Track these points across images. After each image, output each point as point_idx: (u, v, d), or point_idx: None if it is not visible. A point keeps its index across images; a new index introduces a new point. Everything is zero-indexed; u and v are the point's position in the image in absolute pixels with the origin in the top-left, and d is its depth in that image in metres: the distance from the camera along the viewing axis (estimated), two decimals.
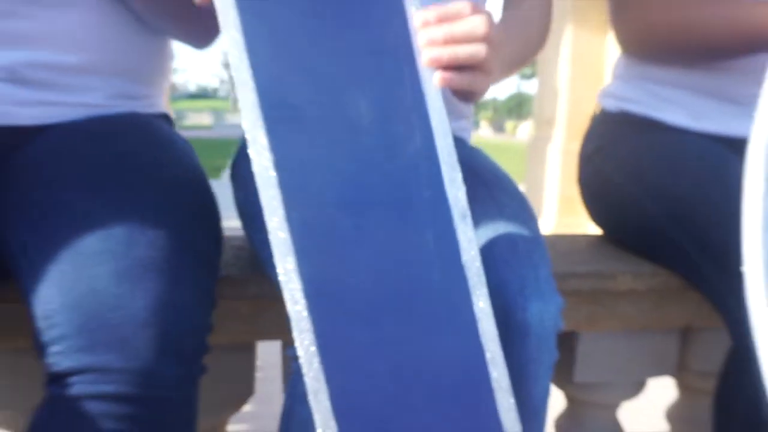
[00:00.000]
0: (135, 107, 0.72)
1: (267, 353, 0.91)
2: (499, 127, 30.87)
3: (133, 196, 0.56)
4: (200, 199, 0.62)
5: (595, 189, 0.92)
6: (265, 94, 0.47)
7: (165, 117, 0.79)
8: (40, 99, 0.65)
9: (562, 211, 3.61)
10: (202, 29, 0.74)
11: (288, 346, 0.76)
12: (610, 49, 3.65)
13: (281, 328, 0.69)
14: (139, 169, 0.60)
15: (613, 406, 0.85)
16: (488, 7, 0.71)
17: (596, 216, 0.94)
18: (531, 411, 0.56)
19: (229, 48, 0.47)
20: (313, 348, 0.47)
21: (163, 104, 0.80)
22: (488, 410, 0.50)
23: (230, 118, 30.33)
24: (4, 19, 0.62)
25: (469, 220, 0.48)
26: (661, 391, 1.04)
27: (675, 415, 0.95)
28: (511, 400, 0.49)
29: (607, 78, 1.00)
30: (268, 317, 0.69)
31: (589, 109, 1.02)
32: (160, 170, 0.61)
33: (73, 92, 0.67)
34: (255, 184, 0.69)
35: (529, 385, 0.55)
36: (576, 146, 0.99)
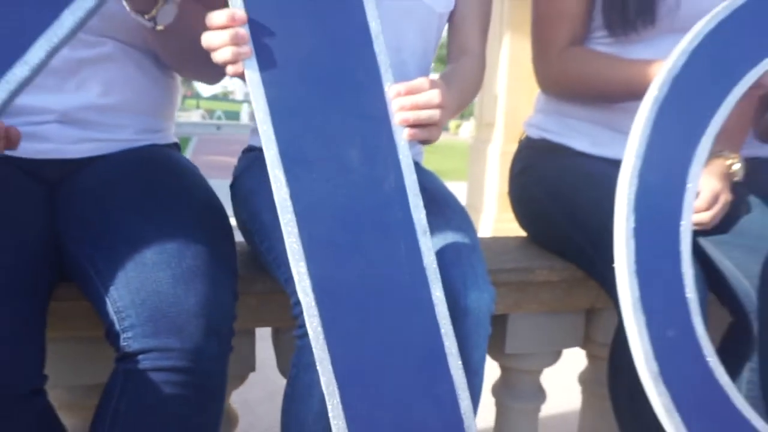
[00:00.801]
0: (155, 140, 0.89)
1: None
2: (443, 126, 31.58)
3: (173, 218, 0.73)
4: (220, 217, 0.80)
5: (521, 202, 1.15)
6: (284, 146, 0.66)
7: (176, 145, 0.96)
8: (85, 137, 0.81)
9: (500, 208, 3.87)
10: (216, 71, 0.91)
11: (284, 329, 0.95)
12: None
13: (278, 317, 0.88)
14: (173, 194, 0.77)
15: (537, 372, 1.08)
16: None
17: (522, 223, 1.16)
18: (472, 370, 0.77)
19: (257, 112, 0.65)
20: (320, 328, 0.66)
21: (173, 134, 0.96)
22: (443, 369, 0.70)
23: None
24: (56, 75, 0.77)
25: (428, 234, 0.68)
26: (574, 358, 1.27)
27: (585, 378, 1.19)
28: (459, 362, 0.69)
29: None
30: (269, 308, 0.88)
31: (525, 114, 1.21)
32: (189, 194, 0.79)
33: (110, 130, 0.83)
34: (254, 204, 0.88)
35: (470, 352, 0.76)
36: (513, 148, 1.18)
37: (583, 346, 1.11)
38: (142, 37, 0.82)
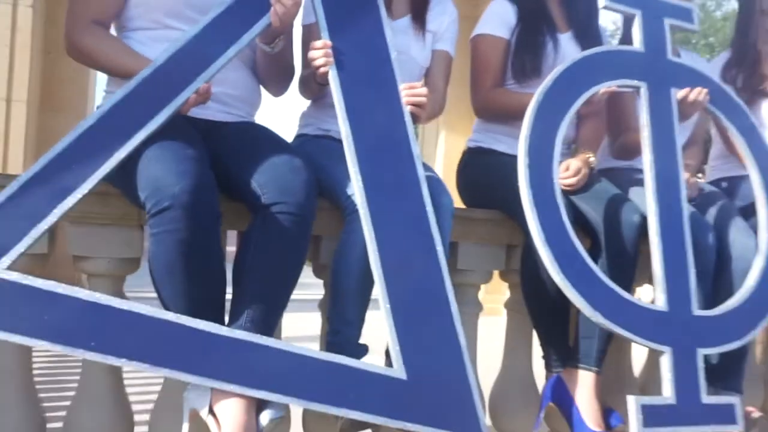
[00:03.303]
0: (248, 117, 1.51)
1: None
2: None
3: (282, 146, 1.35)
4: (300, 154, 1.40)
5: (466, 187, 1.81)
6: (362, 165, 1.29)
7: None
8: (224, 110, 1.43)
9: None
10: (283, 87, 1.56)
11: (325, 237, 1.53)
12: None
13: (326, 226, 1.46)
14: (273, 137, 1.39)
15: (477, 286, 1.69)
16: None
17: (465, 201, 1.82)
18: (444, 236, 1.37)
19: (337, 102, 1.29)
20: (366, 209, 1.27)
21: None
22: (433, 244, 1.32)
23: None
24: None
25: (425, 180, 1.33)
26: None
27: (508, 303, 1.80)
28: (440, 248, 1.30)
29: None
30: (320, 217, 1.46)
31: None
32: (280, 139, 1.40)
33: (235, 108, 1.46)
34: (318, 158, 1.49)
35: (442, 224, 1.36)
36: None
37: (505, 275, 1.73)
38: (253, 59, 1.47)
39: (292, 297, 1.32)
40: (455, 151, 1.89)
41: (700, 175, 2.09)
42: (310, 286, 1.87)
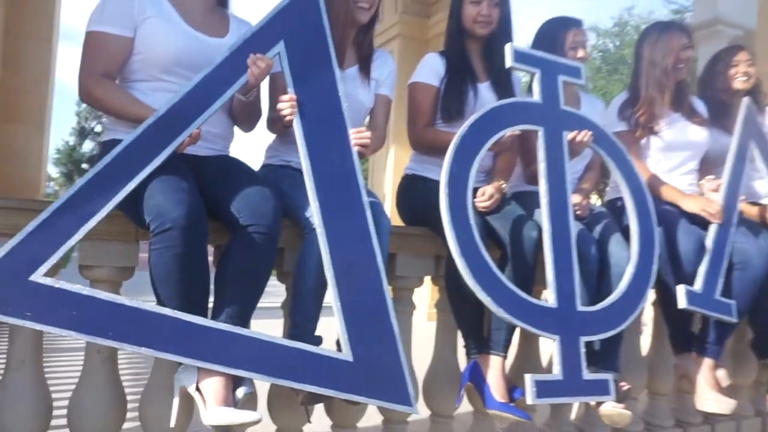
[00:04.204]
0: (225, 151, 1.85)
1: None
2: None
3: (254, 177, 1.70)
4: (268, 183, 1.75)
5: (404, 207, 2.20)
6: (319, 193, 1.66)
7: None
8: (206, 145, 1.77)
9: None
10: (252, 127, 1.91)
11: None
12: None
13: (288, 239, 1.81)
14: (246, 169, 1.74)
15: (411, 290, 2.07)
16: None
17: (404, 219, 2.20)
18: (383, 249, 1.74)
19: (300, 146, 1.65)
20: (322, 228, 1.64)
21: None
22: (375, 255, 1.69)
23: None
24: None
25: (368, 202, 1.70)
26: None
27: (437, 304, 2.19)
28: (380, 258, 1.68)
29: None
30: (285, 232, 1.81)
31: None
32: (252, 170, 1.75)
33: (214, 143, 1.79)
34: (283, 184, 1.85)
35: (381, 238, 1.73)
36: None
37: (435, 281, 2.12)
38: (229, 103, 1.81)
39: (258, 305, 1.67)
40: (403, 159, 2.34)
41: (595, 197, 2.53)
42: (272, 294, 2.21)
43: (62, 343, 4.02)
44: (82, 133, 33.63)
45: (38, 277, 1.36)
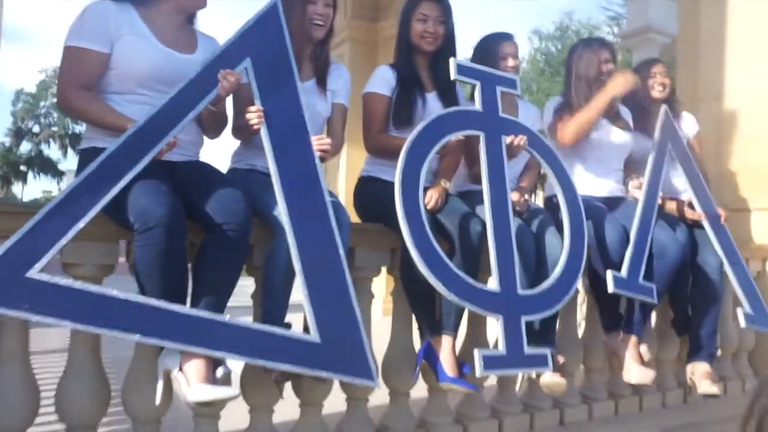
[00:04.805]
0: (196, 156, 2.02)
1: None
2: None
3: (225, 180, 1.88)
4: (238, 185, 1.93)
5: (361, 206, 2.41)
6: (285, 194, 1.85)
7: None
8: (180, 152, 1.93)
9: None
10: (218, 134, 2.08)
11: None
12: None
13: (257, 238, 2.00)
14: (218, 173, 1.91)
15: (370, 279, 2.27)
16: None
17: (360, 216, 2.41)
18: (344, 242, 1.94)
19: (267, 150, 1.84)
20: (289, 225, 1.83)
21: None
22: (338, 251, 1.90)
23: None
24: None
25: (330, 205, 1.91)
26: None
27: (393, 293, 2.40)
28: (342, 252, 1.89)
29: None
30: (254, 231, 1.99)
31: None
32: (222, 174, 1.93)
33: (187, 150, 1.96)
34: (251, 187, 2.04)
35: (343, 234, 1.94)
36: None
37: (390, 271, 2.34)
38: (199, 114, 1.99)
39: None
40: (356, 160, 2.55)
41: (532, 193, 2.81)
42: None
43: (48, 345, 4.19)
44: (19, 134, 32.12)
45: (34, 273, 1.51)
